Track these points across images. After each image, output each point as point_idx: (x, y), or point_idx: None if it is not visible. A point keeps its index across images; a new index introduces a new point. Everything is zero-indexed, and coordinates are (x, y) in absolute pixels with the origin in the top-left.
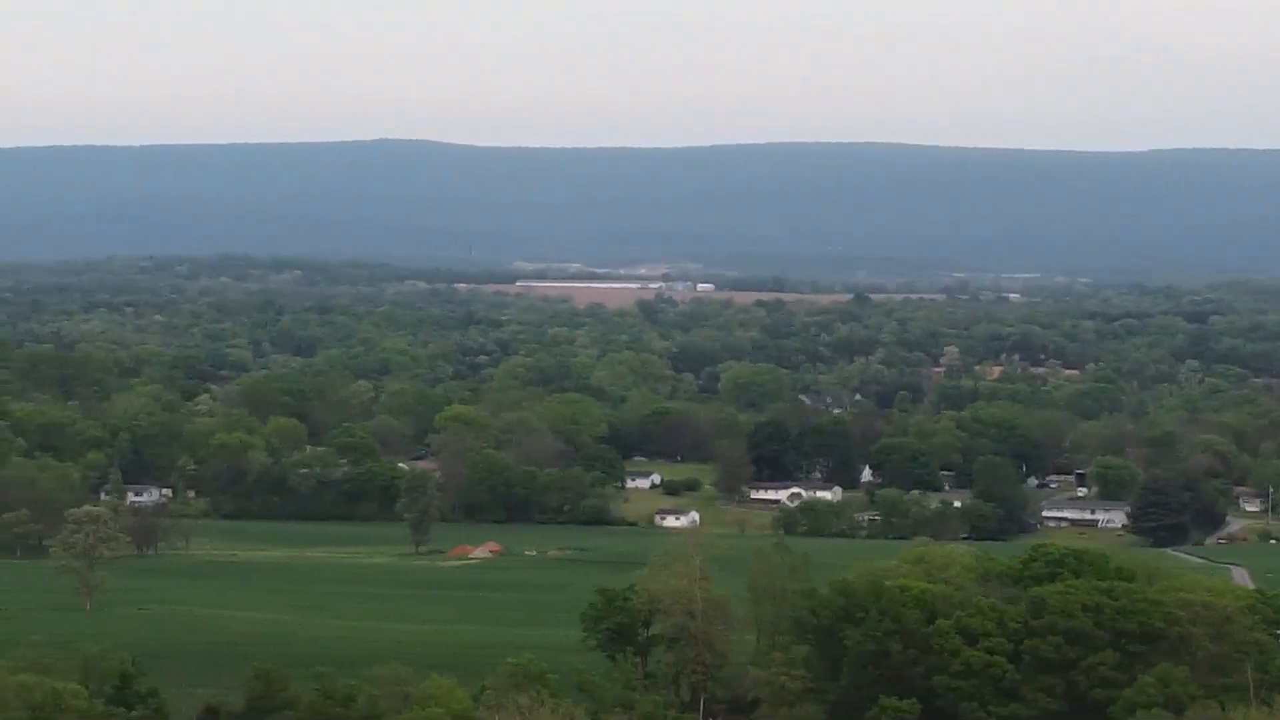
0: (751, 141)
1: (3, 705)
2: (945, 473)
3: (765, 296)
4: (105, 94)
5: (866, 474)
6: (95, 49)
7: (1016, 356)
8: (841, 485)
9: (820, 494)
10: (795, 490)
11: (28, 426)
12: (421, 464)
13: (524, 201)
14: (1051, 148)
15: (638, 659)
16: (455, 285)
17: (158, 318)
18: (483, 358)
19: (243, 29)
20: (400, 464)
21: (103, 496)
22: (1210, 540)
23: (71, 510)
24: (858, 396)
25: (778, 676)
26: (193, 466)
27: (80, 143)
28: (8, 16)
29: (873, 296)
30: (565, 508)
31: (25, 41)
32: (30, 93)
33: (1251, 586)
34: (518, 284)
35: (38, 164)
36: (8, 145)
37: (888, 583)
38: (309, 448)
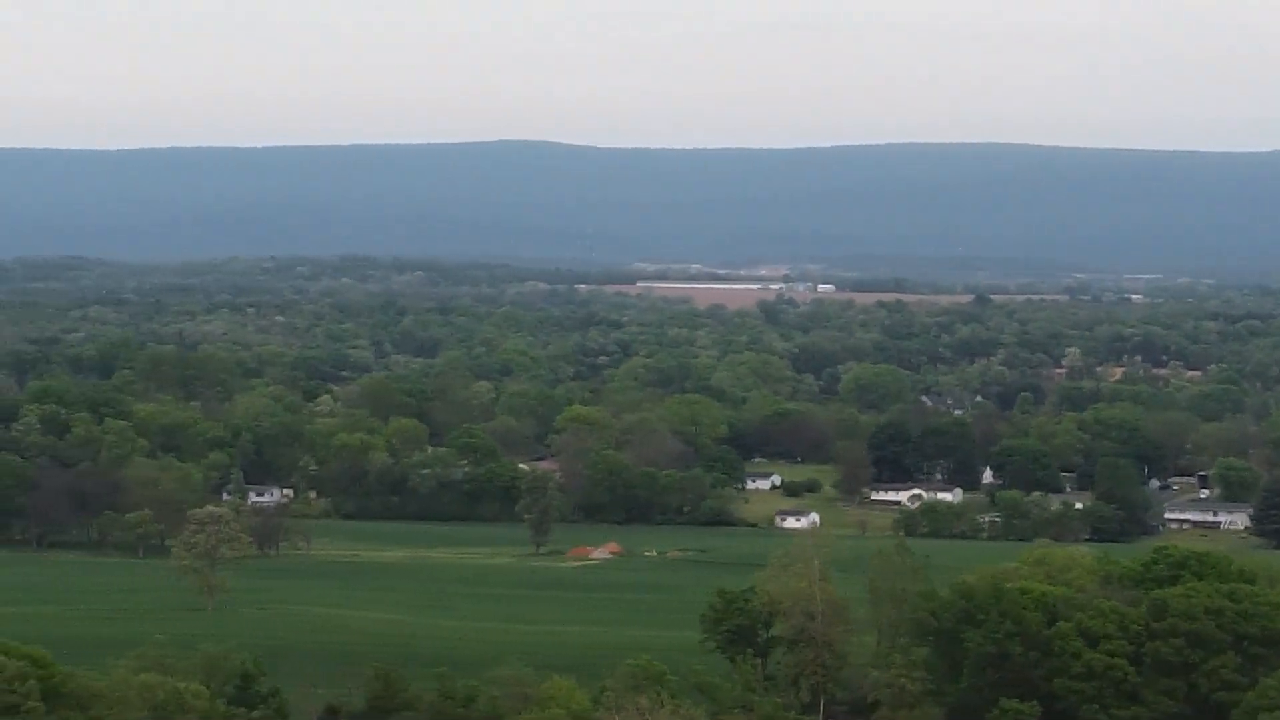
0: (873, 142)
1: (125, 705)
2: (1066, 474)
3: (886, 297)
4: (229, 96)
5: (988, 475)
6: (218, 52)
7: (1138, 358)
8: (962, 487)
9: (941, 495)
10: (916, 492)
11: (150, 427)
12: (542, 465)
13: (645, 202)
14: (1175, 148)
15: (757, 661)
16: (576, 286)
17: (279, 318)
18: (603, 358)
19: (367, 32)
20: (521, 465)
21: (224, 497)
22: None
23: (194, 510)
24: (978, 398)
25: (898, 678)
26: (314, 467)
27: (203, 144)
28: (133, 21)
29: (994, 297)
30: (685, 509)
31: (149, 45)
32: (153, 95)
33: None
34: (638, 285)
35: (161, 166)
36: (131, 147)
37: (1008, 585)
38: (430, 448)
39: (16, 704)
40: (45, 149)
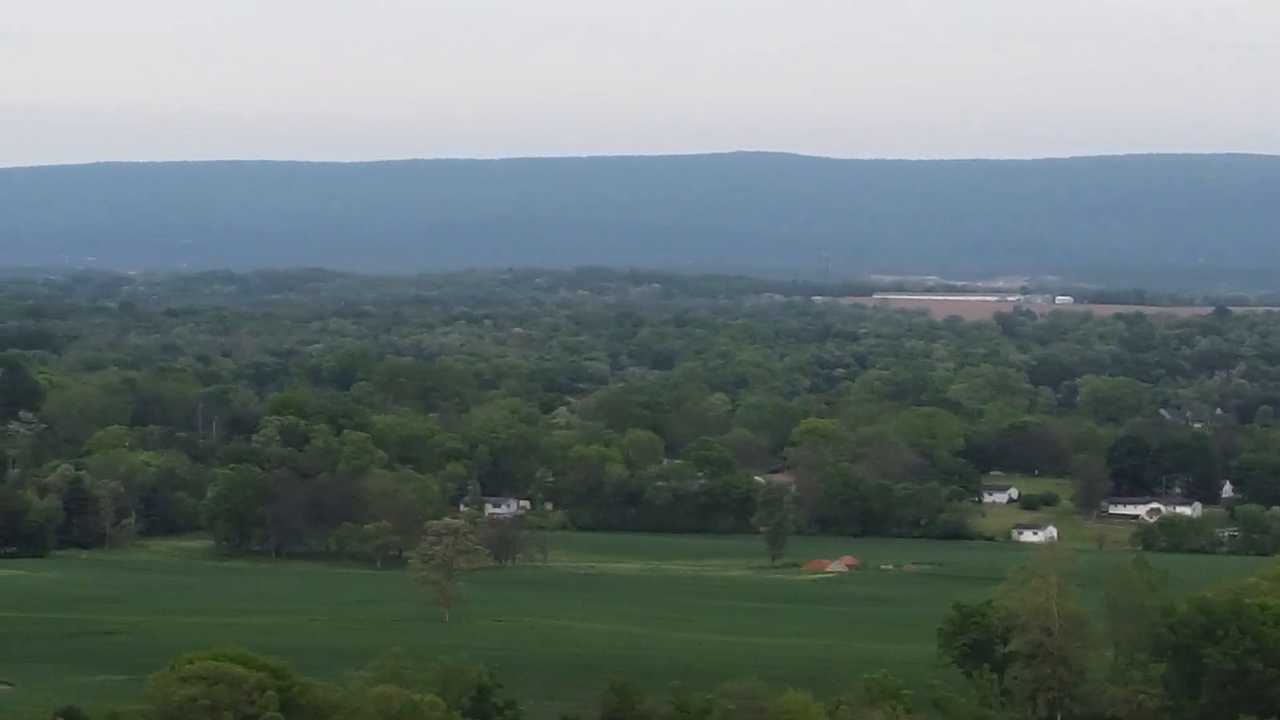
0: (1111, 153)
1: (362, 716)
2: None
3: (1124, 309)
4: (468, 109)
5: (1227, 489)
6: (458, 65)
7: None
8: (1202, 501)
9: (1180, 510)
10: (1154, 505)
11: (388, 438)
12: (778, 477)
13: (881, 214)
14: None
15: (994, 675)
16: (812, 298)
17: (516, 330)
18: (839, 370)
19: (605, 46)
20: (757, 477)
21: (462, 508)
22: None
23: (431, 522)
24: (1218, 411)
25: (1136, 694)
26: (551, 478)
27: (442, 157)
28: (372, 34)
29: (1234, 309)
30: (922, 521)
31: (389, 57)
32: (393, 108)
33: None
34: (875, 297)
35: (401, 178)
36: (371, 160)
37: (1248, 601)
38: (666, 460)
39: (255, 714)
40: (287, 161)
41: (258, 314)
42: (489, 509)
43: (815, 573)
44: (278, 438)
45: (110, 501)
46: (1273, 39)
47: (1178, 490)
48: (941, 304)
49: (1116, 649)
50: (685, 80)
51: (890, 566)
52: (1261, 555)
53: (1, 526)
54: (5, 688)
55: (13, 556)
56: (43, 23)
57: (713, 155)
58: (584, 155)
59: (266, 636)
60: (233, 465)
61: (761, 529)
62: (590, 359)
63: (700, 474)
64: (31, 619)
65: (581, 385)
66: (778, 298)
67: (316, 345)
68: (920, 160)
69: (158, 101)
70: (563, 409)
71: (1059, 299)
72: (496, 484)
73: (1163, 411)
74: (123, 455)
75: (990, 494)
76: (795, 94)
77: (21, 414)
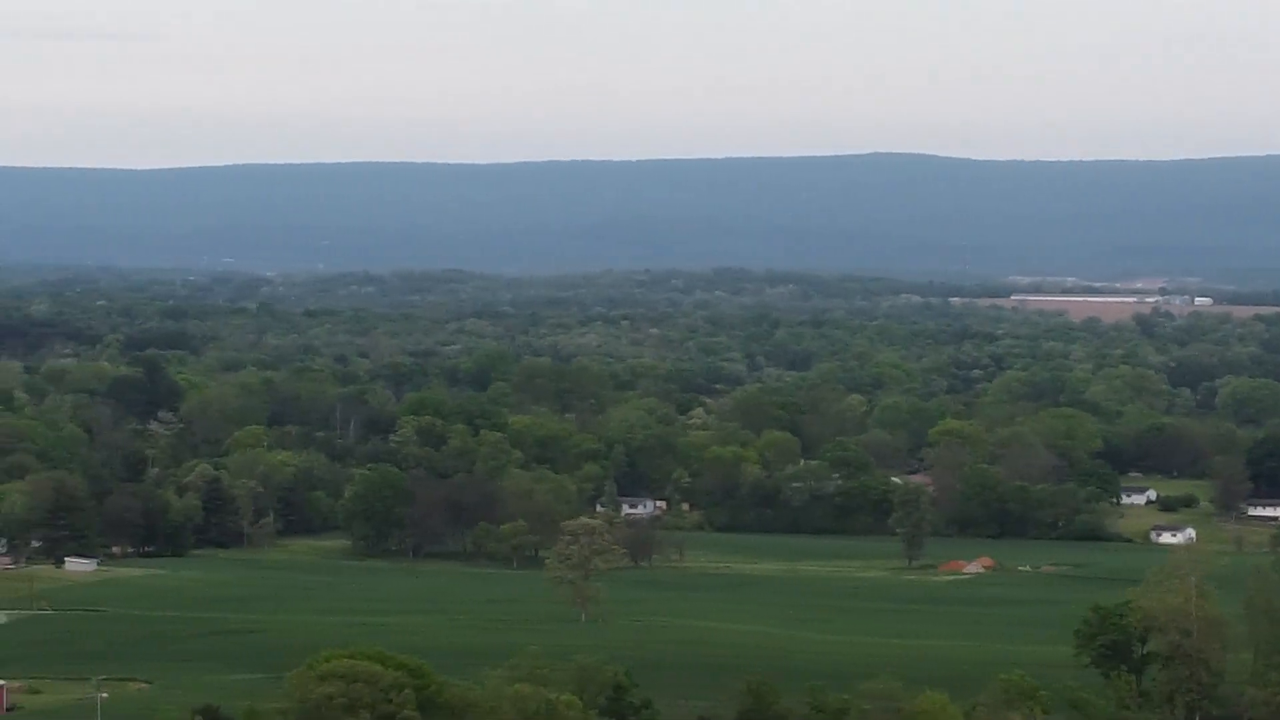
0: (1252, 154)
1: (499, 715)
2: None
3: (1264, 310)
4: (605, 110)
5: None
6: (594, 66)
7: None
8: None
9: None
10: None
11: (525, 439)
12: (915, 478)
13: (1020, 215)
14: None
15: (1132, 677)
16: (950, 299)
17: (653, 331)
18: (977, 372)
19: (736, 45)
20: (893, 478)
21: (598, 508)
22: None
23: (568, 522)
24: None
25: (1275, 696)
26: (687, 479)
27: (579, 158)
28: (508, 34)
29: None
30: (1059, 523)
31: (527, 59)
32: (530, 109)
33: None
34: (1013, 298)
35: (538, 179)
36: (509, 161)
37: None
38: (802, 461)
39: (392, 713)
40: (425, 163)
41: (395, 315)
42: (625, 509)
43: (952, 574)
44: (415, 438)
45: (248, 501)
46: None
47: None
48: (1080, 305)
49: (1255, 651)
50: (825, 81)
51: (1027, 568)
52: None
53: (141, 526)
54: (144, 686)
55: (152, 556)
56: (180, 27)
57: (851, 156)
58: (722, 157)
59: (403, 636)
60: (370, 465)
61: (898, 530)
62: (727, 360)
63: (837, 475)
64: (170, 618)
65: (718, 386)
66: (915, 299)
67: (454, 346)
68: (1059, 161)
69: (297, 103)
70: (699, 410)
71: (1198, 300)
72: (633, 484)
73: None
74: (261, 455)
75: (1128, 495)
76: (934, 95)
77: (160, 414)
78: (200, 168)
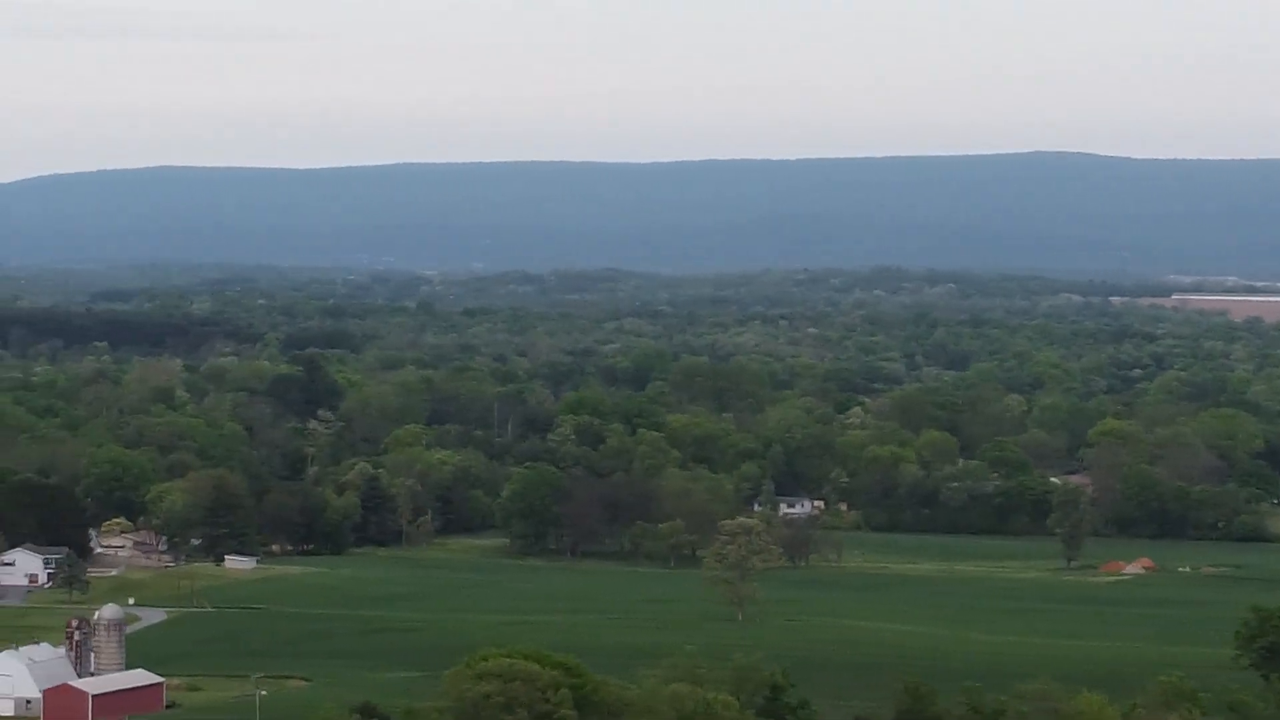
0: None
1: (655, 714)
2: None
3: None
4: (762, 109)
5: None
6: (749, 65)
7: None
8: None
9: None
10: None
11: (683, 438)
12: (1074, 479)
13: (1180, 214)
14: None
15: None
16: (1109, 298)
17: (811, 330)
18: (1137, 371)
19: (894, 44)
20: (1052, 478)
21: (755, 508)
22: None
23: (725, 521)
24: None
25: None
26: (845, 479)
27: (737, 157)
28: (657, 35)
29: None
30: (1219, 524)
31: (681, 58)
32: (688, 109)
33: None
34: (1173, 297)
35: (695, 178)
36: (666, 160)
37: None
38: (960, 461)
39: (550, 712)
40: (583, 162)
41: (554, 314)
42: (783, 509)
43: (1111, 575)
44: (573, 437)
45: (407, 499)
46: None
47: None
48: (1241, 305)
49: None
50: (984, 81)
51: (1187, 569)
52: None
53: (300, 524)
54: (302, 684)
55: (311, 554)
56: (338, 27)
57: (1011, 155)
58: (881, 155)
59: (560, 635)
60: (528, 464)
61: (1057, 531)
62: (885, 359)
63: (995, 475)
64: (329, 616)
65: (876, 385)
66: (1075, 298)
67: (612, 345)
68: (1220, 160)
69: (456, 103)
70: (857, 409)
71: None
72: (790, 484)
73: None
74: (419, 454)
75: None
76: (1094, 94)
77: (320, 412)
78: (361, 167)
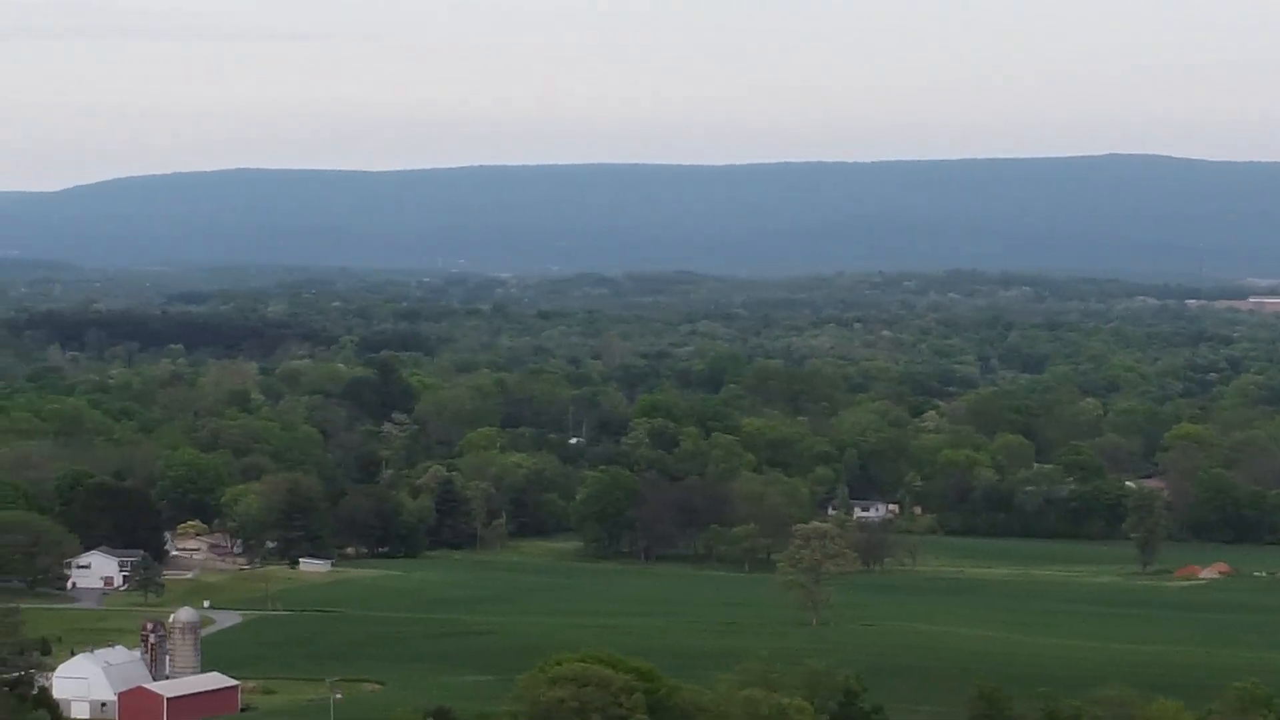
0: None
1: (728, 719)
2: None
3: None
4: (837, 111)
5: None
6: (820, 67)
7: None
8: None
9: None
10: None
11: (757, 441)
12: (1149, 483)
13: (1257, 216)
14: None
15: None
16: (1185, 301)
17: (886, 333)
18: (1213, 375)
19: (968, 46)
20: (1128, 482)
21: (830, 512)
22: None
23: (799, 525)
24: None
25: None
26: (919, 483)
27: (811, 159)
28: (746, 38)
29: None
30: None
31: (760, 62)
32: (765, 111)
33: None
34: (1250, 300)
35: (770, 180)
36: (741, 163)
37: None
38: (1036, 465)
39: (624, 716)
40: (657, 164)
41: (628, 316)
42: (857, 512)
43: (1187, 579)
44: (647, 440)
45: (481, 502)
46: None
47: None
48: None
49: None
50: (1058, 83)
51: (1263, 574)
52: None
53: (375, 527)
54: (376, 687)
55: (386, 556)
56: (413, 29)
57: (1086, 158)
58: (955, 158)
59: (634, 638)
60: (602, 467)
61: (1132, 535)
62: (960, 362)
63: (1071, 479)
64: (404, 619)
65: (951, 389)
66: (1150, 301)
67: (686, 348)
68: None
69: (532, 106)
70: (932, 413)
71: None
72: (865, 487)
73: None
74: (493, 457)
75: None
76: (1170, 97)
77: (394, 415)
78: (435, 169)
